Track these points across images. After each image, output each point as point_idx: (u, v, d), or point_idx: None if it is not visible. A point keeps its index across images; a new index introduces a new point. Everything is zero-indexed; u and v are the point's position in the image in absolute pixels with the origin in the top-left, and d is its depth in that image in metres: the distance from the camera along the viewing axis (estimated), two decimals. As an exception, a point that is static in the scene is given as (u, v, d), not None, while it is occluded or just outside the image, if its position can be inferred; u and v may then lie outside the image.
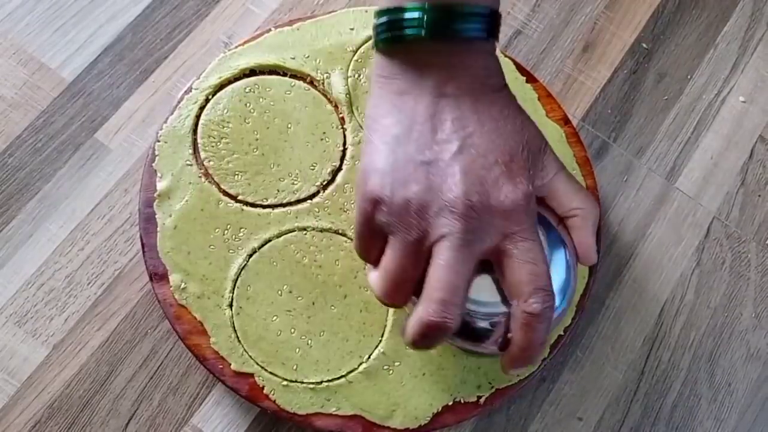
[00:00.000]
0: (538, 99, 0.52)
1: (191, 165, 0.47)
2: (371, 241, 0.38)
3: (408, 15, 0.36)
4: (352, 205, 0.48)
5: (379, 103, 0.38)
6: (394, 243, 0.36)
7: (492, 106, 0.37)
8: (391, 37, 0.37)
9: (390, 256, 0.36)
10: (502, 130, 0.36)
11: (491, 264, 0.36)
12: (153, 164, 0.47)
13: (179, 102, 0.48)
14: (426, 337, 0.35)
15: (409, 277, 0.36)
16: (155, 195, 0.46)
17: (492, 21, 0.37)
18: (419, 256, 0.36)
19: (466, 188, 0.34)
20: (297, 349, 0.45)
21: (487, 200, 0.34)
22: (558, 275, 0.38)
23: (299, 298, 0.45)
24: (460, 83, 0.36)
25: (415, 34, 0.36)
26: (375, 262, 0.38)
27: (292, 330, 0.45)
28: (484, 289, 0.37)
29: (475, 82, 0.37)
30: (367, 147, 0.38)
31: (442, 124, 0.36)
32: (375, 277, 0.38)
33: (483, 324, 0.37)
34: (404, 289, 0.37)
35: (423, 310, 0.35)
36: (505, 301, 0.37)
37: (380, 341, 0.45)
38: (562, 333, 0.47)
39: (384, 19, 0.37)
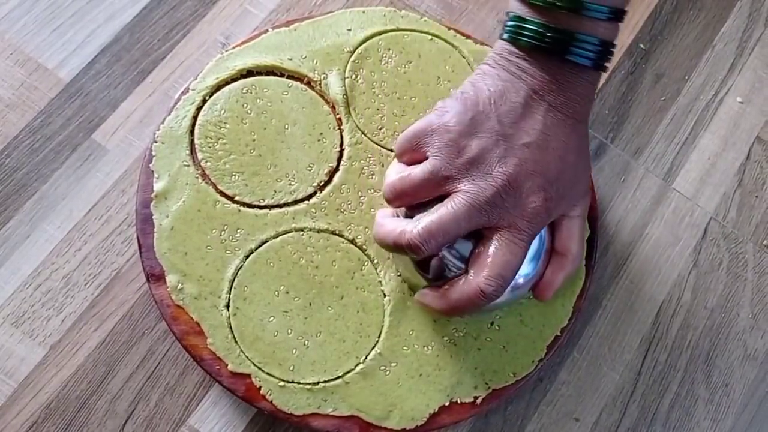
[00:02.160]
0: (536, 100, 0.52)
1: (188, 166, 0.47)
2: (414, 146, 0.42)
3: (528, 25, 0.41)
4: (350, 206, 0.48)
5: (493, 70, 0.42)
6: (430, 164, 0.40)
7: (572, 133, 0.42)
8: (512, 38, 0.42)
9: (419, 171, 0.41)
10: (566, 158, 0.41)
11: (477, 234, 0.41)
12: (150, 165, 0.47)
13: (176, 103, 0.48)
14: (397, 247, 0.41)
15: (418, 195, 0.41)
16: (152, 196, 0.46)
17: (602, 53, 0.41)
18: (437, 189, 0.40)
19: (515, 172, 0.39)
20: (294, 350, 0.45)
21: (520, 193, 0.40)
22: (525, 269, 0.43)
23: (296, 299, 0.45)
24: (558, 98, 0.41)
25: (531, 43, 0.41)
26: (402, 161, 0.43)
27: (289, 331, 0.45)
28: (465, 247, 0.41)
29: (569, 104, 0.41)
30: (465, 89, 0.42)
31: (532, 115, 0.41)
32: (395, 173, 0.42)
33: (453, 271, 0.41)
34: (406, 201, 0.42)
35: (409, 229, 0.40)
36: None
37: (377, 342, 0.45)
38: (558, 334, 0.47)
39: (511, 23, 0.42)
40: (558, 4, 0.40)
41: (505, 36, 0.42)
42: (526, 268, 0.42)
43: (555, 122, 0.41)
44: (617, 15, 0.41)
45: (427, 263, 0.42)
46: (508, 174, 0.39)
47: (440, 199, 0.40)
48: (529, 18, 0.41)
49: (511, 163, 0.39)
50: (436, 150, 0.40)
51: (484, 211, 0.39)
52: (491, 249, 0.40)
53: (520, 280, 0.43)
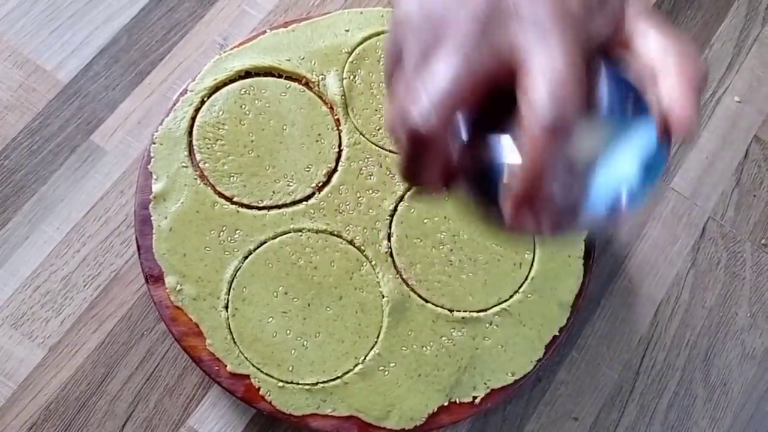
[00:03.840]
0: (533, 100, 0.52)
1: (187, 167, 0.47)
2: (395, 64, 0.30)
3: None
4: (348, 207, 0.48)
5: None
6: (408, 51, 0.28)
7: None
8: None
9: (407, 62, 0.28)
10: None
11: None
12: (148, 166, 0.47)
13: (175, 104, 0.48)
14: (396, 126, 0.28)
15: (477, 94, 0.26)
16: (151, 197, 0.46)
17: None
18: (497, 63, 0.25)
19: None
20: (292, 351, 0.45)
21: None
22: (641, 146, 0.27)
23: (295, 300, 0.46)
24: None
25: None
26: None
27: (288, 331, 0.45)
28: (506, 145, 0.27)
29: None
30: None
31: None
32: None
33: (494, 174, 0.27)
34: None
35: (402, 99, 0.27)
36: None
37: (375, 342, 0.46)
38: (557, 333, 0.47)
39: None
40: None
41: None
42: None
43: None
44: None
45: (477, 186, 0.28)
46: None
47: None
48: None
49: None
50: (404, 39, 0.28)
51: (483, 36, 0.26)
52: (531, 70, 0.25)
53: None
